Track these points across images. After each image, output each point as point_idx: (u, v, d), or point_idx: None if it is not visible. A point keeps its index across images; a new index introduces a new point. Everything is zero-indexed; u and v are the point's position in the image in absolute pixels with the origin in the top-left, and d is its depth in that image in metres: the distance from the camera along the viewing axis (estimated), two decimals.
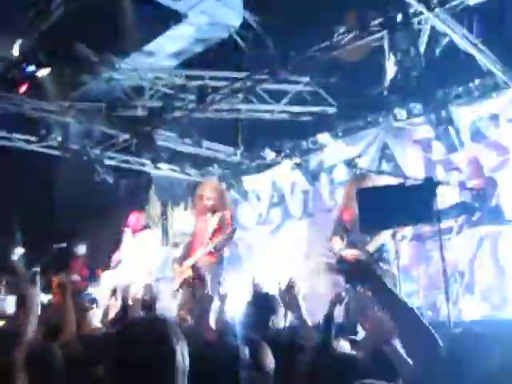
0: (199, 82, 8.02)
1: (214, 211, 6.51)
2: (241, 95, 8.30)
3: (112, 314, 5.59)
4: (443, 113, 7.50)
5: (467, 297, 6.33)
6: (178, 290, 6.51)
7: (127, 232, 8.00)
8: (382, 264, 5.41)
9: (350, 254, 5.61)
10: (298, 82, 8.35)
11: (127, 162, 9.81)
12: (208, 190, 6.62)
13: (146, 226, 7.84)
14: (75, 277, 8.89)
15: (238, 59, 8.25)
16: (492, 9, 6.38)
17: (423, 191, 3.68)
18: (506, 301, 6.22)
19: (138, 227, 7.78)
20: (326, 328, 3.72)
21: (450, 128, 7.58)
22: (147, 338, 1.58)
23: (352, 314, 5.14)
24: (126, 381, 1.53)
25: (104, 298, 7.27)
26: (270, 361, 2.50)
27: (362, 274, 2.37)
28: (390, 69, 6.92)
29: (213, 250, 6.24)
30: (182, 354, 1.61)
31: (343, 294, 4.73)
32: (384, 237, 5.37)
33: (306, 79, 8.21)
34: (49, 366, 2.84)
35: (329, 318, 3.87)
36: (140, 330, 1.62)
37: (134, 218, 7.78)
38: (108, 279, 7.54)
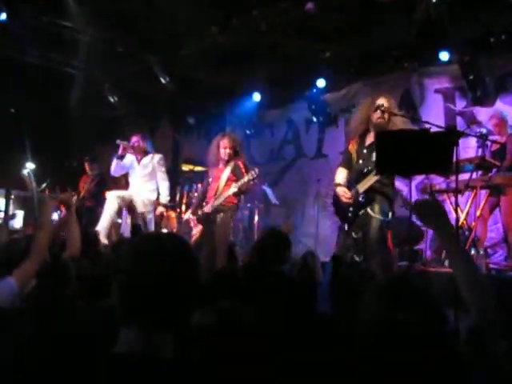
0: None
1: (228, 161, 6.70)
2: None
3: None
4: (471, 62, 7.30)
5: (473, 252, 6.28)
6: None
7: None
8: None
9: (341, 193, 5.35)
10: None
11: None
12: (226, 140, 6.72)
13: (148, 151, 7.57)
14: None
15: None
16: None
17: (444, 140, 3.58)
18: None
19: (138, 149, 7.51)
20: (333, 266, 3.74)
21: (476, 80, 7.40)
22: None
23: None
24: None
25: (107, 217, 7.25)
26: None
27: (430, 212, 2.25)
28: (421, 11, 6.69)
29: (236, 191, 6.40)
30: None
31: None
32: (373, 180, 5.15)
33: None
34: (63, 277, 2.90)
35: (336, 258, 3.87)
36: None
37: (135, 140, 7.53)
38: (113, 199, 7.40)
